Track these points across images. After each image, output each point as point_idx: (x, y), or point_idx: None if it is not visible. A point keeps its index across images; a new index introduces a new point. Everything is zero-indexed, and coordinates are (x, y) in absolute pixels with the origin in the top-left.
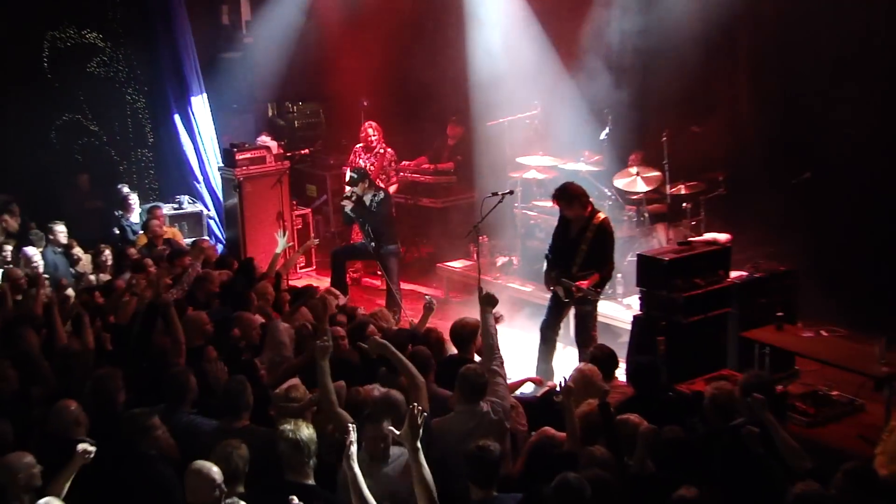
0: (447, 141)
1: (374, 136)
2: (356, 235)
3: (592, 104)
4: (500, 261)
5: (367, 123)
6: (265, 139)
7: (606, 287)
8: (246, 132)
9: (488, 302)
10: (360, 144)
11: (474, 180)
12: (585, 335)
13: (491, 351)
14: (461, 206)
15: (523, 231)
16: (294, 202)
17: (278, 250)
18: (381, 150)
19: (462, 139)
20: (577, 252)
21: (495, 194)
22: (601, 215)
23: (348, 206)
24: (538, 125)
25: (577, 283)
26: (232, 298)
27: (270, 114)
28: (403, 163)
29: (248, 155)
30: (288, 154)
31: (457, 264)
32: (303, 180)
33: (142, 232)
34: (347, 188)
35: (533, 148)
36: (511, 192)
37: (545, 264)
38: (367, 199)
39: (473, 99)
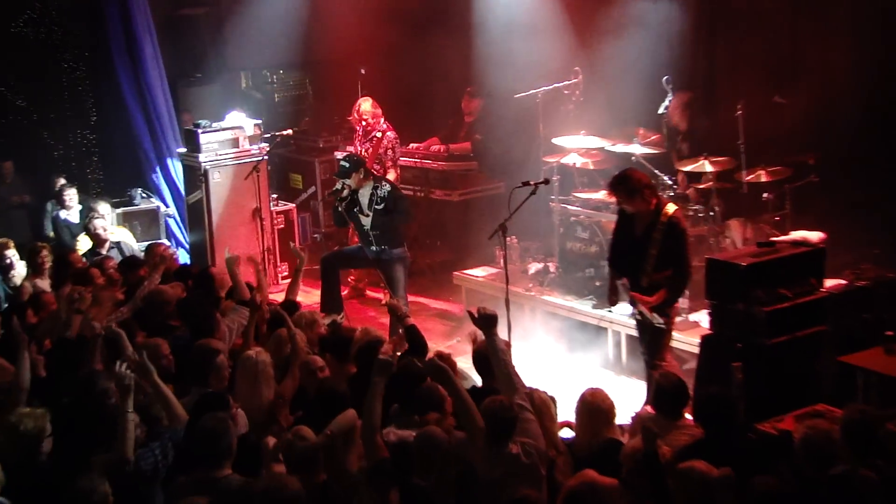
0: (463, 118)
1: (369, 115)
2: (354, 238)
3: (648, 69)
4: (534, 268)
5: (360, 100)
6: (237, 116)
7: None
8: (213, 108)
9: (487, 322)
10: (358, 127)
11: (500, 167)
12: (655, 356)
13: (510, 381)
14: (483, 200)
15: (562, 230)
16: (275, 196)
17: (227, 267)
18: (379, 133)
19: (482, 115)
20: (646, 257)
21: (526, 184)
22: (670, 208)
23: (341, 204)
24: (579, 97)
25: (641, 302)
26: (191, 321)
27: (244, 85)
28: (412, 146)
29: (215, 137)
30: (266, 136)
31: (479, 272)
32: (286, 168)
33: (83, 234)
34: (339, 182)
35: (573, 126)
36: (546, 182)
37: (606, 270)
38: (366, 193)
39: (495, 65)
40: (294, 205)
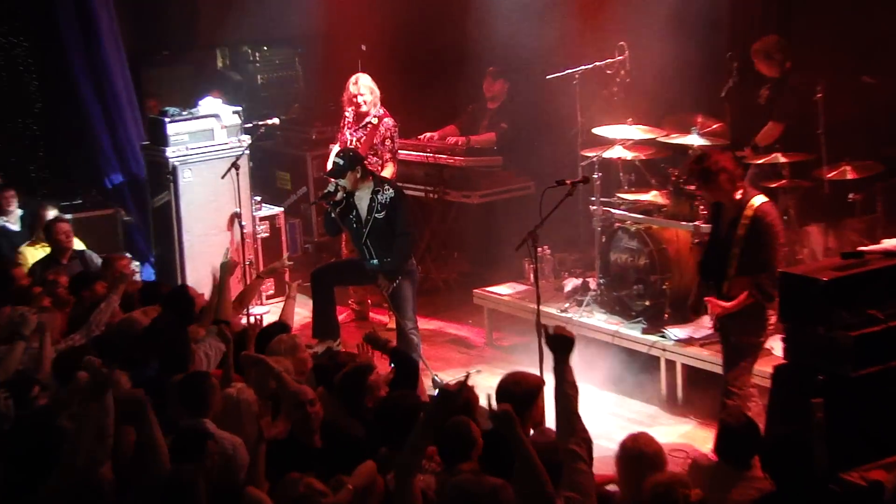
0: (485, 104)
1: (367, 93)
2: (350, 250)
3: (708, 44)
4: (570, 284)
5: (354, 77)
6: (213, 102)
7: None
8: (183, 93)
9: (561, 346)
10: (349, 110)
11: (529, 163)
12: (730, 379)
13: (569, 422)
14: (510, 203)
15: (605, 239)
16: (257, 199)
17: (220, 275)
18: (374, 119)
19: (508, 100)
20: (728, 258)
21: (562, 183)
22: (757, 200)
23: (334, 210)
24: (624, 77)
25: (714, 308)
26: (161, 352)
27: (220, 64)
28: (427, 135)
29: (186, 127)
30: (248, 125)
31: (504, 290)
32: (271, 165)
33: (26, 245)
34: (331, 182)
35: (617, 113)
36: (585, 181)
37: (658, 287)
38: (364, 197)
39: (523, 40)
40: (281, 209)
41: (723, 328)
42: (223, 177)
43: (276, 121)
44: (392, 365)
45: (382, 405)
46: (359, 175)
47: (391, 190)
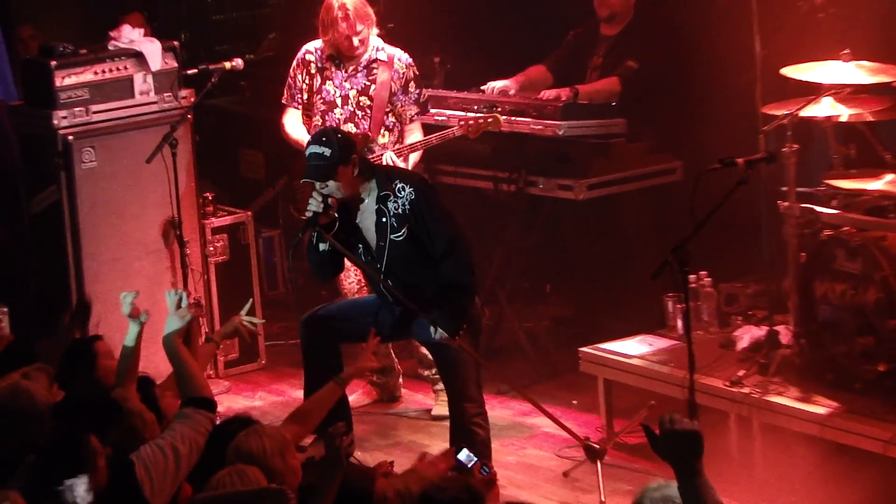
0: (598, 26)
1: (362, 29)
2: (362, 289)
3: None
4: (747, 336)
5: (337, 1)
6: (131, 33)
7: None
8: (79, 17)
9: (683, 449)
10: (311, 51)
11: (673, 130)
12: None
13: None
14: (642, 197)
15: (806, 258)
16: (208, 196)
17: (130, 335)
18: (382, 55)
19: (639, 20)
20: None
21: (730, 164)
22: None
23: (324, 238)
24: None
25: None
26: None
27: None
28: (494, 85)
29: (85, 76)
30: (192, 71)
31: (632, 347)
32: (232, 138)
33: None
34: (313, 196)
35: (824, 43)
36: (770, 159)
37: None
38: (367, 209)
39: None
40: (248, 212)
41: None
42: (150, 160)
43: (238, 63)
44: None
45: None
46: (355, 171)
47: (407, 186)
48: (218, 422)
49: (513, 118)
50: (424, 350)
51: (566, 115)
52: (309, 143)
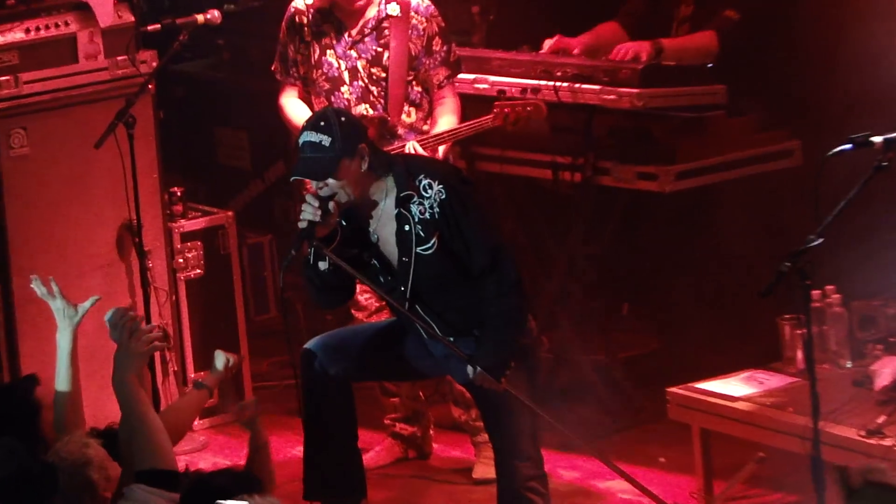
0: None
1: None
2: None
3: None
4: (889, 371)
5: None
6: None
7: None
8: None
9: None
10: (302, 9)
11: (789, 100)
12: None
13: None
14: (749, 187)
15: None
16: (176, 191)
17: (60, 383)
18: (394, 8)
19: None
20: None
21: (864, 143)
22: None
23: (328, 254)
24: None
25: None
26: None
27: None
28: (554, 42)
29: (16, 36)
30: (153, 27)
31: (737, 387)
32: (205, 115)
33: None
34: (307, 198)
35: None
36: None
37: None
38: (384, 216)
39: None
40: (228, 212)
41: None
42: (99, 144)
43: (215, 16)
44: None
45: None
46: (364, 165)
47: (435, 182)
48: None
49: (577, 85)
50: (461, 387)
51: (647, 80)
52: (302, 129)
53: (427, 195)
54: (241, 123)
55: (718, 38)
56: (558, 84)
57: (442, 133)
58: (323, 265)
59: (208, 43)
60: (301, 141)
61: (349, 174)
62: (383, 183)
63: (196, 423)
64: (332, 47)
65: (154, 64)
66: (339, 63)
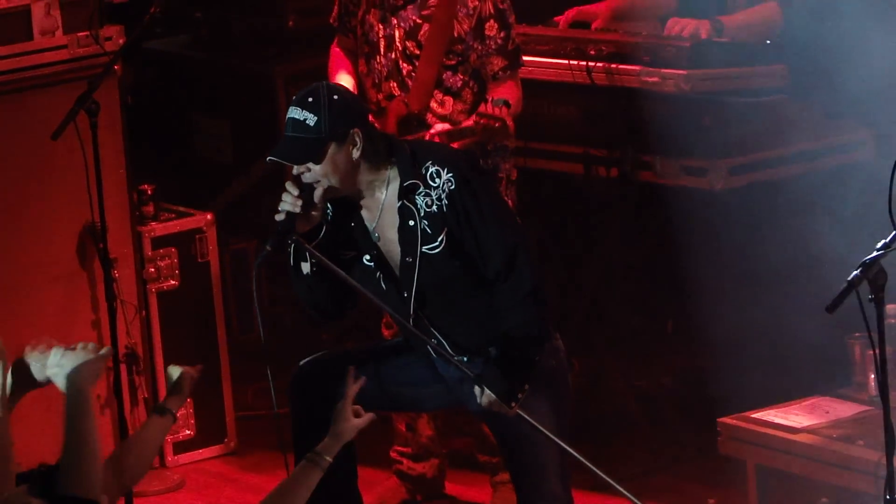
0: None
1: None
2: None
3: None
4: None
5: None
6: None
7: None
8: None
9: None
10: None
11: (860, 85)
12: None
13: None
14: (812, 183)
15: None
16: (147, 189)
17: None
18: None
19: None
20: None
21: None
22: None
23: (301, 249)
24: None
25: None
26: None
27: None
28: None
29: None
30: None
31: (798, 419)
32: (181, 101)
33: None
34: (287, 187)
35: None
36: None
37: None
38: (384, 207)
39: None
40: (208, 214)
41: None
42: (57, 135)
43: None
44: None
45: None
46: (357, 152)
47: (444, 170)
48: None
49: (614, 66)
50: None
51: (696, 59)
52: (291, 104)
53: (435, 185)
54: (223, 111)
55: (783, 12)
56: (592, 64)
57: (433, 134)
58: (306, 267)
59: (184, 17)
60: (287, 117)
61: (336, 161)
62: (384, 172)
63: (170, 459)
64: (376, 6)
65: (121, 41)
66: (377, 28)
